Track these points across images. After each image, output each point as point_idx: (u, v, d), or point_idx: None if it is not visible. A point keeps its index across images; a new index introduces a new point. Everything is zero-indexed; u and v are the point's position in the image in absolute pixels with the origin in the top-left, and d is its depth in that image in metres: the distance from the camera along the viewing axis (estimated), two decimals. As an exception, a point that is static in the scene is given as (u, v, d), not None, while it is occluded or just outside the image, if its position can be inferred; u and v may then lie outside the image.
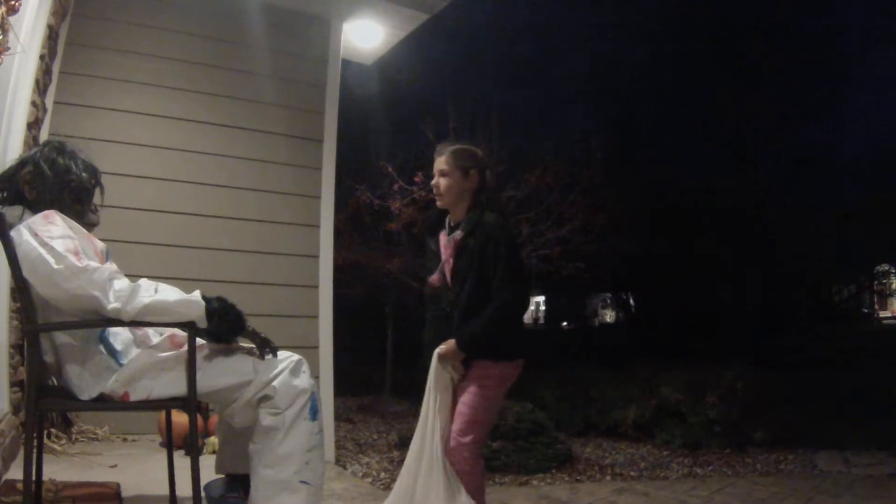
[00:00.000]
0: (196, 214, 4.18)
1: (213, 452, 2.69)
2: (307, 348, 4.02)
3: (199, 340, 1.98)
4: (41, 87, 3.47)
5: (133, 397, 1.92)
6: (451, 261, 2.35)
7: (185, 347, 1.92)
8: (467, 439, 2.24)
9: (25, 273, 1.83)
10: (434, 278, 2.41)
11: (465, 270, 2.30)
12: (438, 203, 2.41)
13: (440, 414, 2.28)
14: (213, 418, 3.46)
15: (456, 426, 2.27)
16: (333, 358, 4.35)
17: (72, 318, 1.89)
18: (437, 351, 2.30)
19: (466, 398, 2.28)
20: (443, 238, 2.42)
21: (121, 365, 1.94)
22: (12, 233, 1.85)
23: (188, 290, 1.94)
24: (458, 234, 2.34)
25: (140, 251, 3.90)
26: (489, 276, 2.26)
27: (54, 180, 2.00)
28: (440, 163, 2.38)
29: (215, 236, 4.20)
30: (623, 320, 20.02)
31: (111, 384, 1.91)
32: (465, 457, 2.24)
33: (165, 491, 2.31)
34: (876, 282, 20.07)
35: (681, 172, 14.03)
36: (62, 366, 1.94)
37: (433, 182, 2.40)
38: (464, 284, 2.30)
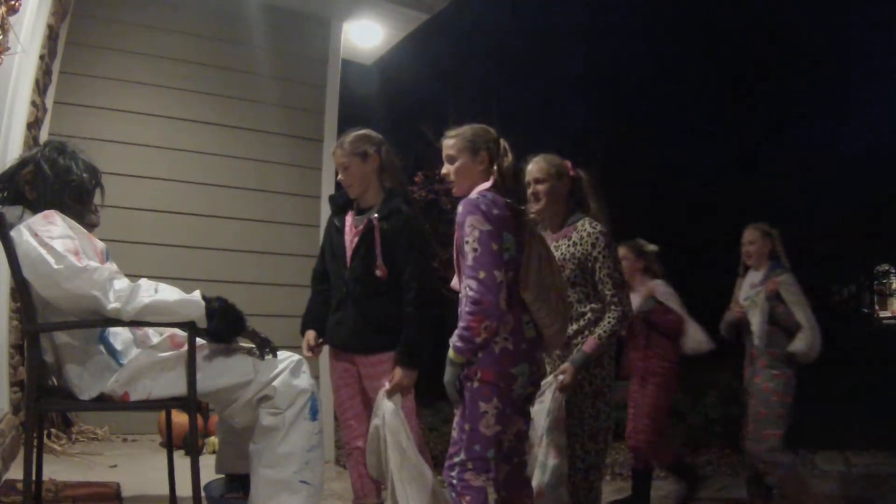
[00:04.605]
0: (196, 214, 4.18)
1: (213, 452, 2.69)
2: (307, 348, 4.01)
3: (199, 340, 1.98)
4: (41, 87, 3.46)
5: (133, 397, 1.92)
6: (356, 240, 2.38)
7: (185, 347, 1.92)
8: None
9: (26, 273, 1.83)
10: (380, 268, 2.34)
11: (372, 252, 2.32)
12: (351, 194, 2.46)
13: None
14: (213, 418, 3.46)
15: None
16: (333, 358, 4.34)
17: (72, 318, 1.89)
18: (385, 392, 2.24)
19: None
20: (349, 218, 2.46)
21: (121, 365, 1.94)
22: (12, 233, 1.85)
23: (188, 290, 1.94)
24: (373, 216, 2.36)
25: (140, 251, 3.89)
26: (400, 262, 2.31)
27: (55, 180, 2.00)
28: (338, 157, 2.44)
29: (215, 236, 4.19)
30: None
31: (111, 384, 1.91)
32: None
33: (165, 491, 2.31)
34: (876, 282, 20.06)
35: (681, 172, 14.02)
36: (62, 366, 1.94)
37: (338, 178, 2.47)
38: (369, 265, 2.33)
